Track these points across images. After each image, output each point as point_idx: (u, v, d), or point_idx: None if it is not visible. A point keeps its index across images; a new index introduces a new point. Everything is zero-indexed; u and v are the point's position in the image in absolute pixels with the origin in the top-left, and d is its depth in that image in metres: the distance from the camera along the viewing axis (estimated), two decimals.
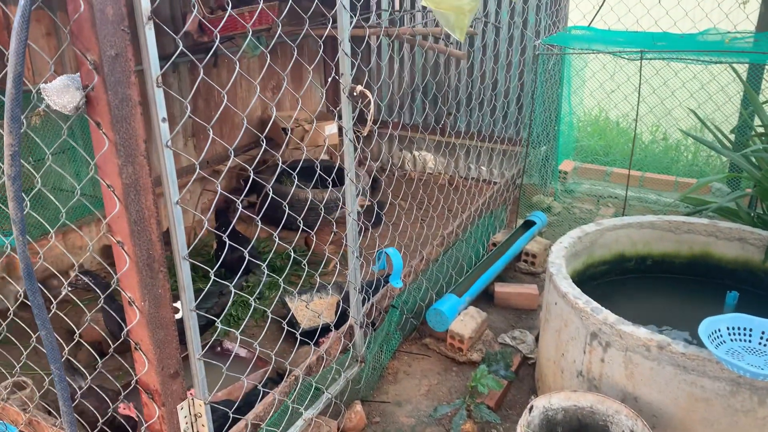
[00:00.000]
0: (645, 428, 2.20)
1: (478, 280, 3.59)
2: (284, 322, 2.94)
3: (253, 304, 2.26)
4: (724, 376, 2.17)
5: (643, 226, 3.24)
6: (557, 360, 2.72)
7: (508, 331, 3.44)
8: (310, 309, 3.51)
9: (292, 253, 2.40)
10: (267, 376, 2.75)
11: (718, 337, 2.28)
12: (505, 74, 5.13)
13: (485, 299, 3.74)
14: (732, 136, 4.13)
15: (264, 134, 2.45)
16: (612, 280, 3.25)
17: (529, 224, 4.29)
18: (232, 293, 2.19)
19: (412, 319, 3.33)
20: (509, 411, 2.89)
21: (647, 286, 3.22)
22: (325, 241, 3.81)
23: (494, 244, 4.17)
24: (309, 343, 2.95)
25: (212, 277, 1.98)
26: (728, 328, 2.30)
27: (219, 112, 2.63)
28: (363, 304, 2.78)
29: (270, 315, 2.36)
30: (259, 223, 2.13)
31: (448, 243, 3.69)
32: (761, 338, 2.27)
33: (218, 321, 2.03)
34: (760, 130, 3.61)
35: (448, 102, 5.48)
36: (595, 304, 2.51)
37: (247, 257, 2.26)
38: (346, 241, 2.58)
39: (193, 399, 1.90)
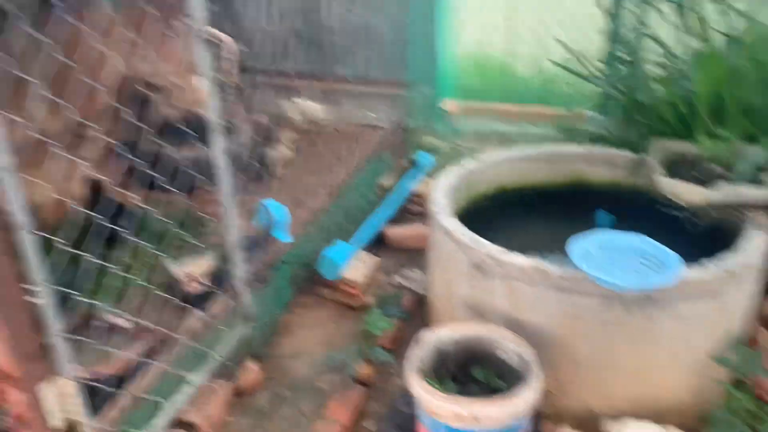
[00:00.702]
0: (528, 349, 2.28)
1: (368, 225, 3.57)
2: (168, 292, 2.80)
3: (132, 274, 2.12)
4: (596, 292, 2.27)
5: (521, 159, 3.30)
6: (446, 295, 2.77)
7: (400, 271, 3.46)
8: (192, 274, 3.37)
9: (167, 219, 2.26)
10: (151, 346, 2.62)
11: (589, 256, 2.38)
12: (382, 13, 5.02)
13: (378, 244, 3.73)
14: (601, 65, 4.27)
15: (132, 93, 2.25)
16: (494, 213, 3.30)
17: (416, 166, 4.30)
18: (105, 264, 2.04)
19: (304, 272, 3.28)
20: (405, 349, 2.93)
21: (528, 215, 3.28)
22: (207, 201, 3.64)
23: (384, 189, 4.15)
24: (196, 309, 2.84)
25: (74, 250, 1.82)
26: (599, 246, 2.41)
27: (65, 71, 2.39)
28: (247, 262, 2.69)
29: (150, 284, 2.23)
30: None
31: (337, 192, 3.64)
32: (626, 251, 2.39)
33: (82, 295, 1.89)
34: (627, 58, 3.75)
35: (326, 46, 5.32)
36: (476, 236, 2.54)
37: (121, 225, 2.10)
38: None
39: (58, 379, 1.77)
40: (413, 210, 4.08)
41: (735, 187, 2.50)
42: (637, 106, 3.17)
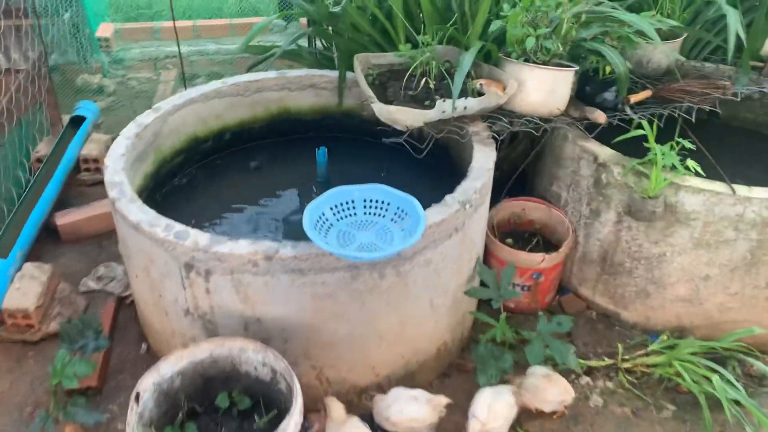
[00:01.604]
0: (275, 356, 1.83)
1: (27, 222, 2.66)
2: None
3: None
4: (341, 265, 1.88)
5: (209, 97, 2.66)
6: (156, 302, 2.13)
7: (90, 271, 2.68)
8: None
9: None
10: None
11: (324, 222, 1.96)
12: None
13: (49, 239, 2.84)
14: None
15: None
16: (193, 176, 2.68)
17: (78, 121, 3.36)
18: None
19: None
20: (121, 377, 2.27)
21: (235, 169, 2.74)
22: None
23: (40, 161, 3.16)
24: None
25: None
26: (332, 209, 2.00)
27: None
28: None
29: None
30: None
31: None
32: (365, 207, 2.02)
33: None
34: None
35: None
36: (178, 227, 1.92)
37: None
38: None
39: None
40: (87, 180, 3.19)
41: (448, 101, 2.28)
42: (329, 16, 2.73)
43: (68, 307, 2.45)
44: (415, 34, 2.52)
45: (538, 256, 2.48)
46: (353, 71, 2.54)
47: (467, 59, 2.27)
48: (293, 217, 2.45)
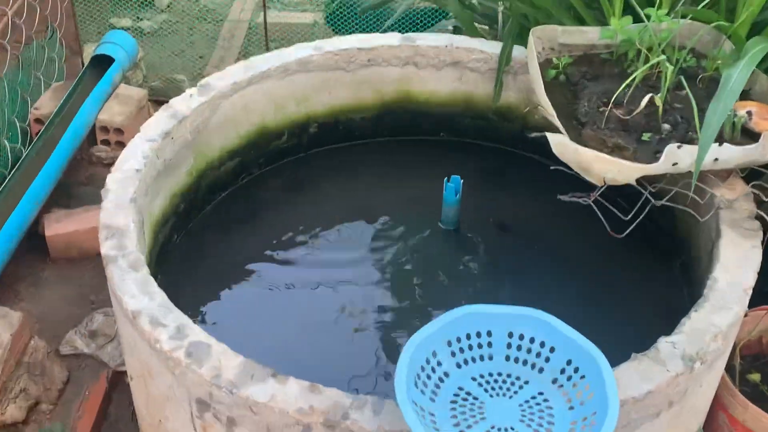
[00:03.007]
0: None
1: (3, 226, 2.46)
2: None
3: None
4: None
5: (290, 71, 2.30)
6: (156, 426, 1.86)
7: (82, 319, 2.41)
8: None
9: None
10: None
11: (434, 369, 1.55)
12: None
13: (32, 253, 2.65)
14: None
15: None
16: (250, 185, 2.42)
17: (102, 63, 3.10)
18: None
19: None
20: None
21: (317, 177, 2.46)
22: None
23: (40, 123, 2.94)
24: None
25: None
26: (451, 344, 1.58)
27: None
28: None
29: None
30: None
31: None
32: (509, 347, 1.57)
33: None
34: None
35: None
36: (196, 334, 1.56)
37: None
38: None
39: None
40: (104, 159, 2.97)
41: (688, 149, 1.80)
42: None
43: (38, 380, 2.16)
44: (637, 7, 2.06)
45: None
46: (526, 46, 2.13)
47: (740, 73, 1.76)
48: (383, 314, 2.07)
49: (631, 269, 2.12)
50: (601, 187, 1.81)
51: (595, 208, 1.80)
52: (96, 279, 2.61)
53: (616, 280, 2.11)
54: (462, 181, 2.15)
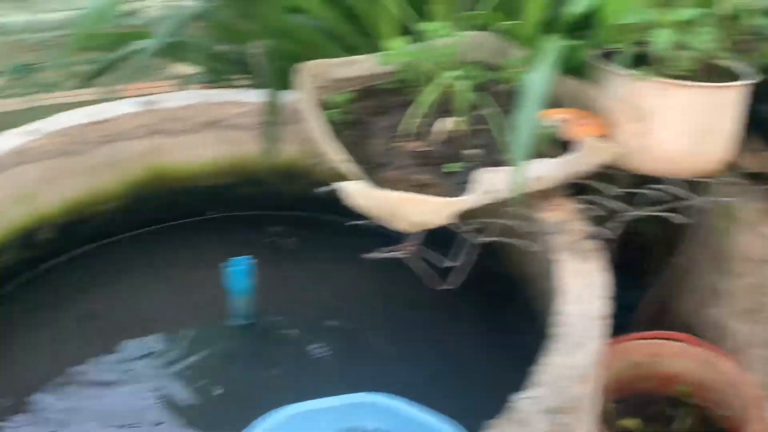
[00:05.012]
0: None
1: None
2: None
3: None
4: None
5: (5, 165, 2.19)
6: None
7: None
8: None
9: None
10: None
11: None
12: None
13: None
14: None
15: None
16: None
17: None
18: None
19: None
20: None
21: (60, 297, 2.27)
22: None
23: None
24: None
25: None
26: None
27: None
28: None
29: None
30: None
31: None
32: None
33: None
34: None
35: None
36: None
37: None
38: None
39: None
40: None
41: (500, 173, 1.81)
42: None
43: None
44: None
45: None
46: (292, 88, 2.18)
47: (540, 76, 1.85)
48: None
49: (472, 321, 2.21)
50: (415, 234, 1.86)
51: (410, 262, 1.89)
52: None
53: (459, 338, 2.17)
54: (255, 261, 2.13)
